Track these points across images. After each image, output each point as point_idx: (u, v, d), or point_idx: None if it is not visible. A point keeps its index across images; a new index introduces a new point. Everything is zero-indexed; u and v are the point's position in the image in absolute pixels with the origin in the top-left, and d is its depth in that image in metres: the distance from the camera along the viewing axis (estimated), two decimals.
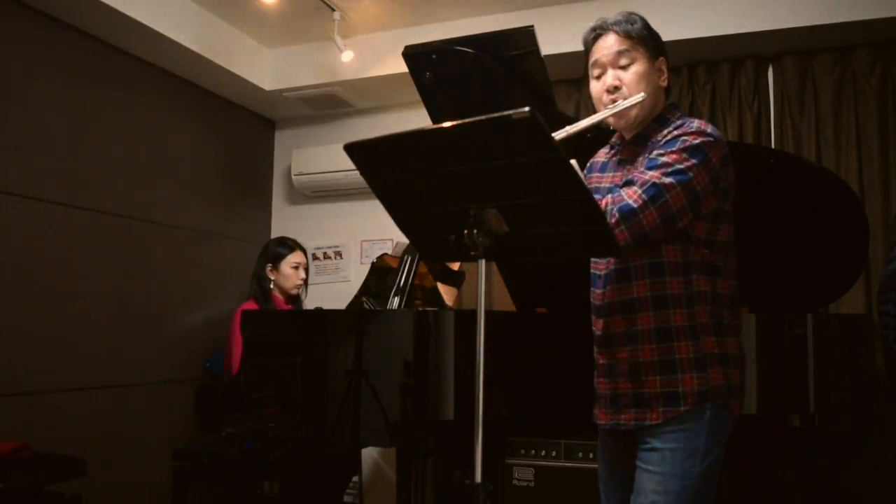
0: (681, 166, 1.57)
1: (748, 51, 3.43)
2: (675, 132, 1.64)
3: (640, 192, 1.55)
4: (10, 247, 2.85)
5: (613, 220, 1.53)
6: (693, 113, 3.53)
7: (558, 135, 1.50)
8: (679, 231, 1.62)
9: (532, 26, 2.27)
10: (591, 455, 2.61)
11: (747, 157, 2.62)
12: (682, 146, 1.59)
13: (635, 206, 1.54)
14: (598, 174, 1.84)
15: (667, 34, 3.23)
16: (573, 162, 1.35)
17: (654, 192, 1.55)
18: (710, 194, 1.63)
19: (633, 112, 1.70)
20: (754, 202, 2.22)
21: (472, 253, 1.45)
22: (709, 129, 1.64)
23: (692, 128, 1.63)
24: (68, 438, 2.91)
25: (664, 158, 1.59)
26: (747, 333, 2.26)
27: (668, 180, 1.56)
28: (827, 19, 3.13)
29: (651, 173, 1.58)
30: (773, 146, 3.41)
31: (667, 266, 1.64)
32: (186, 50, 3.43)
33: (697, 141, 1.60)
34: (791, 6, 3.18)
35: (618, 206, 1.54)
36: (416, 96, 2.53)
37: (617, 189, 1.59)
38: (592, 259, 1.81)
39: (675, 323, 1.64)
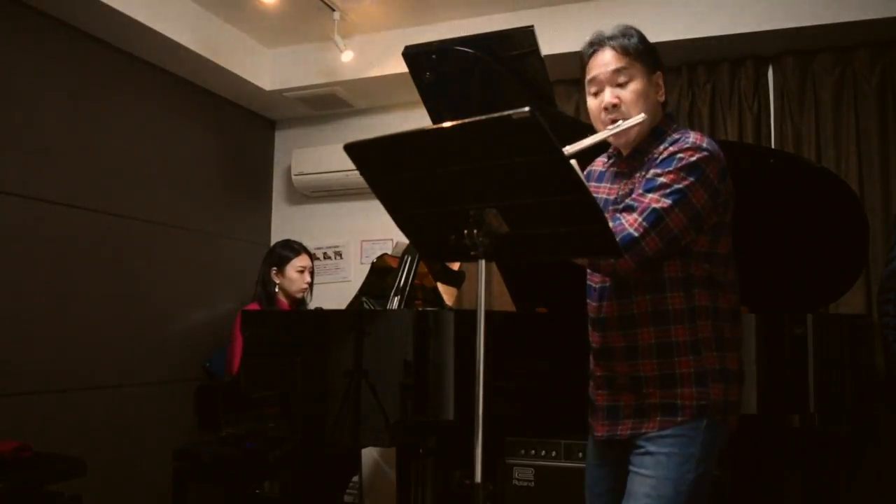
0: (679, 186, 1.56)
1: (748, 51, 3.42)
2: (671, 148, 1.62)
3: (640, 219, 1.55)
4: (10, 247, 2.85)
5: None
6: (693, 113, 3.53)
7: None
8: (681, 248, 1.62)
9: (532, 26, 2.27)
10: None
11: (747, 157, 2.61)
12: (678, 164, 1.58)
13: (636, 234, 1.54)
14: (595, 183, 1.83)
15: (667, 34, 3.31)
16: (573, 162, 1.35)
17: (654, 218, 1.54)
18: (711, 210, 1.62)
19: (633, 131, 1.69)
20: (754, 202, 2.21)
21: (472, 253, 1.45)
22: (704, 143, 1.62)
23: (687, 143, 1.61)
24: (68, 438, 2.91)
25: (661, 179, 1.58)
26: (747, 333, 2.26)
27: (666, 203, 1.55)
28: (827, 19, 3.12)
29: (650, 196, 1.57)
30: (773, 146, 3.41)
31: (667, 281, 1.64)
32: (186, 50, 3.43)
33: (694, 158, 1.58)
34: (791, 6, 3.17)
35: (620, 237, 1.53)
36: (416, 96, 2.53)
37: (618, 218, 1.58)
38: (588, 271, 1.79)
39: (676, 338, 1.63)
